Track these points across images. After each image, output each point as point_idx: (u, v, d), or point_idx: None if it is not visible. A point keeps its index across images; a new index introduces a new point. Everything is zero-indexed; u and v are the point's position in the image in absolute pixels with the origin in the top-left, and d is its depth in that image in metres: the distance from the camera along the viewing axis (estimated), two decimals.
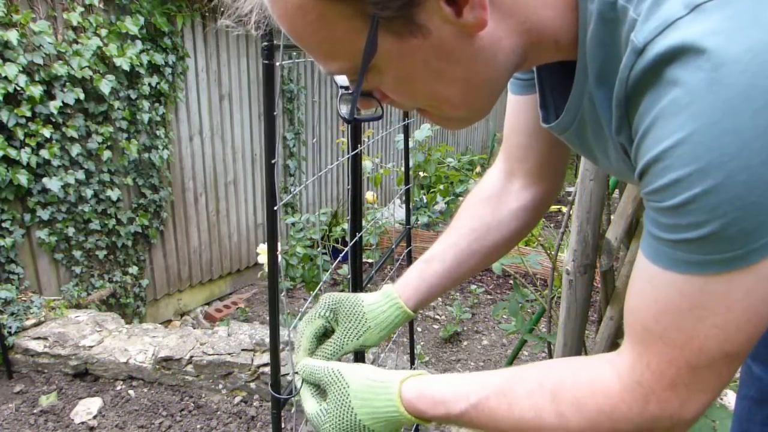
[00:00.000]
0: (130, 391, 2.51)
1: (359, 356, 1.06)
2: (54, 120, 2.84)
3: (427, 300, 0.86)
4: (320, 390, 0.74)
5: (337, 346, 0.81)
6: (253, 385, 2.47)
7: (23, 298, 2.81)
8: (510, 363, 2.59)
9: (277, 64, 0.80)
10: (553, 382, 0.59)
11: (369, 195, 3.90)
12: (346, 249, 1.09)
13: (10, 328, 2.60)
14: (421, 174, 3.13)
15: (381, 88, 0.56)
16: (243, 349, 2.52)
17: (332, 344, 0.81)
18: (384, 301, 0.83)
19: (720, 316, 0.47)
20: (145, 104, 3.31)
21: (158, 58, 3.34)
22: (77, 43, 2.90)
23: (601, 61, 0.51)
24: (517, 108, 0.82)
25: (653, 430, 0.54)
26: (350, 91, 0.58)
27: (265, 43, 0.77)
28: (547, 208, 0.91)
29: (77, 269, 3.15)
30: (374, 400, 0.67)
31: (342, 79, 0.59)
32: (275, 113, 0.83)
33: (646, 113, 0.45)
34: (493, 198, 0.89)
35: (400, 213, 5.00)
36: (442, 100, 0.57)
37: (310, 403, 0.74)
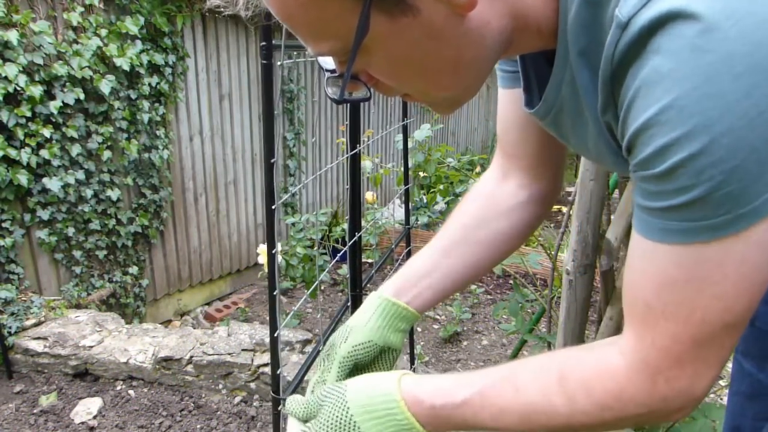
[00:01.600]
0: (130, 391, 2.51)
1: None
2: (54, 120, 2.83)
3: (408, 285, 0.81)
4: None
5: (331, 353, 0.78)
6: (253, 385, 2.47)
7: (23, 298, 2.81)
8: None
9: (278, 63, 0.80)
10: (558, 363, 0.59)
11: (369, 195, 3.90)
12: (344, 249, 1.09)
13: (10, 328, 2.60)
14: (421, 174, 3.13)
15: (368, 70, 0.56)
16: (243, 349, 2.52)
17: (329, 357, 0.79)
18: (365, 301, 0.82)
19: (717, 286, 0.47)
20: (145, 104, 3.31)
21: (158, 58, 3.34)
22: (77, 43, 2.90)
23: (585, 44, 0.52)
24: (508, 101, 0.81)
25: (664, 410, 0.53)
26: (336, 74, 0.58)
27: (263, 43, 0.77)
28: (548, 208, 0.88)
29: (77, 269, 3.15)
30: (371, 389, 0.64)
31: (327, 62, 0.59)
32: (275, 113, 0.83)
33: (630, 85, 0.45)
34: (486, 195, 0.87)
35: (400, 213, 5.00)
36: (429, 81, 0.56)
37: (294, 427, 0.69)
